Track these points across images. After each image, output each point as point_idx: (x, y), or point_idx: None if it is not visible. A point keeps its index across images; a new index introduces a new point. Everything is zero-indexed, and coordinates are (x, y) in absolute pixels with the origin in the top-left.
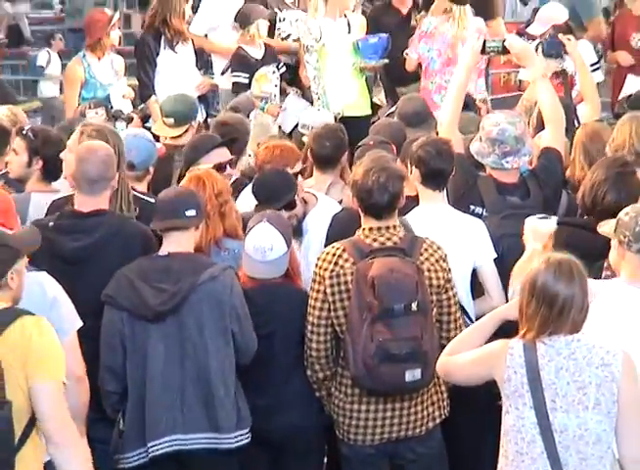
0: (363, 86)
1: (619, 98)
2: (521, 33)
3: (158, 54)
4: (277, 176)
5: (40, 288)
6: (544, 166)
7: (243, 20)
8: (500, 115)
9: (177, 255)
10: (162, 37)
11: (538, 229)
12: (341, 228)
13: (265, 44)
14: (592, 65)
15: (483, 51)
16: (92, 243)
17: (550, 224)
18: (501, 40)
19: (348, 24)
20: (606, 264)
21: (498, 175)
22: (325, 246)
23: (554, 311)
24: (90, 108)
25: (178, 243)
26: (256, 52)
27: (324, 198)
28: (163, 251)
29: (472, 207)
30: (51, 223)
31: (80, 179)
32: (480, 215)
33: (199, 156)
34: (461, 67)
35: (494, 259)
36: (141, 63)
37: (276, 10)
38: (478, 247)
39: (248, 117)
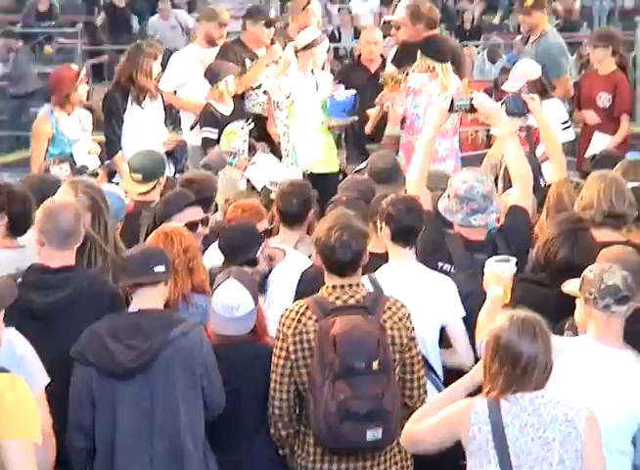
0: (331, 143)
1: (586, 156)
2: (488, 92)
3: (125, 110)
4: (242, 231)
5: (8, 345)
6: (511, 224)
7: (211, 77)
8: (468, 172)
9: (147, 311)
10: (130, 93)
11: (498, 272)
12: (310, 284)
13: (234, 100)
14: (564, 122)
15: (451, 109)
16: (61, 299)
17: (509, 267)
18: (469, 98)
19: (316, 82)
20: (567, 325)
21: (466, 233)
22: (294, 299)
23: (518, 370)
24: (54, 163)
25: (147, 299)
26: (225, 108)
27: (293, 253)
28: (133, 307)
29: (440, 264)
30: (19, 279)
31: (52, 233)
32: (448, 273)
33: (171, 212)
34: (429, 124)
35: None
36: (108, 119)
37: (247, 61)
38: (446, 305)
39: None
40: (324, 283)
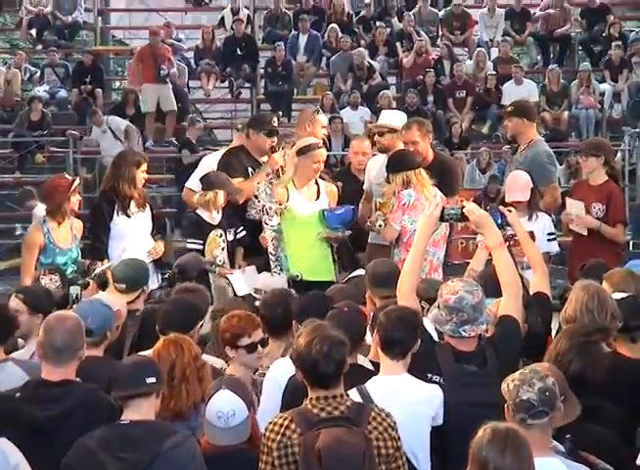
0: (327, 254)
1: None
2: (478, 200)
3: (111, 219)
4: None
5: (2, 455)
6: (501, 335)
7: (205, 183)
8: (458, 282)
9: (139, 422)
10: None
11: None
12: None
13: (224, 209)
14: (549, 234)
15: (442, 218)
16: (60, 412)
17: None
18: (459, 207)
19: (318, 191)
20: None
21: (456, 343)
22: (282, 407)
23: None
24: (45, 274)
25: (139, 410)
26: (212, 217)
27: (279, 362)
28: (125, 419)
29: (429, 375)
30: (17, 394)
31: (47, 348)
32: (437, 383)
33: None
34: (419, 234)
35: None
36: (94, 228)
37: (249, 169)
38: (436, 413)
39: (195, 278)
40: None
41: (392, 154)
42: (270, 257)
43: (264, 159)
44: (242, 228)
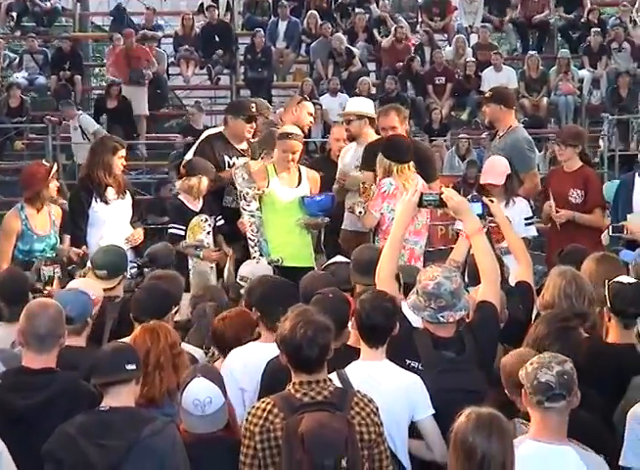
0: (307, 241)
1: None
2: (457, 186)
3: (89, 206)
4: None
5: None
6: (480, 321)
7: (189, 168)
8: (437, 268)
9: (118, 409)
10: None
11: None
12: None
13: (204, 198)
14: (527, 219)
15: (420, 204)
16: (43, 401)
17: None
18: (438, 193)
19: (300, 177)
20: None
21: (434, 329)
22: (260, 392)
23: (472, 466)
24: (46, 264)
25: (119, 397)
26: (194, 204)
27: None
28: (104, 405)
29: (407, 361)
30: None
31: (29, 335)
32: (415, 370)
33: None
34: (397, 220)
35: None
36: (72, 215)
37: (225, 157)
38: (415, 402)
39: (168, 266)
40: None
41: (391, 139)
42: (249, 242)
43: (243, 146)
44: (220, 217)
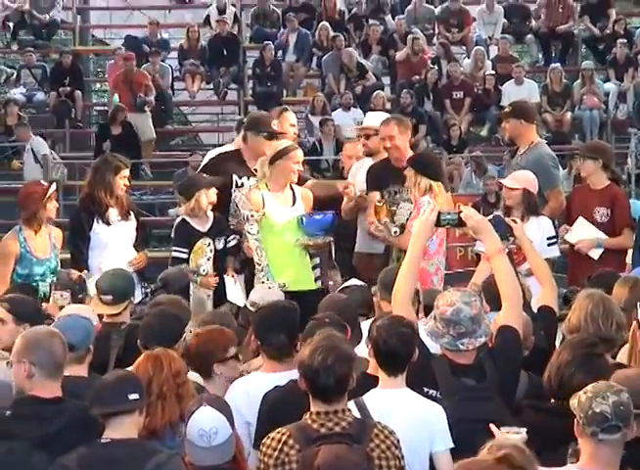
0: (306, 262)
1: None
2: (476, 206)
3: (91, 228)
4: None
5: None
6: (501, 347)
7: (184, 192)
8: (455, 293)
9: (121, 441)
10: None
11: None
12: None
13: (214, 216)
14: (549, 239)
15: (438, 223)
16: (57, 430)
17: (520, 437)
18: (457, 212)
19: (294, 196)
20: (570, 451)
21: (453, 356)
22: (257, 427)
23: None
24: (56, 289)
25: (121, 429)
26: (202, 224)
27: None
28: (106, 437)
29: (425, 389)
30: (8, 413)
31: (46, 363)
32: (434, 398)
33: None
34: (414, 239)
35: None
36: (73, 237)
37: (235, 177)
38: (435, 434)
39: (178, 291)
40: (307, 408)
41: (421, 156)
42: (256, 266)
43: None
44: (233, 237)
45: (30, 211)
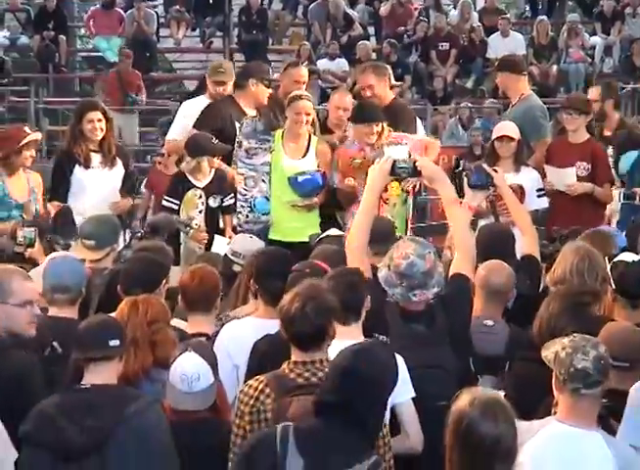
0: (313, 215)
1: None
2: (463, 157)
3: (72, 173)
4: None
5: None
6: (451, 294)
7: (188, 149)
8: (410, 244)
9: (100, 387)
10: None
11: None
12: (262, 359)
13: (217, 171)
14: (538, 190)
15: (393, 173)
16: None
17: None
18: (412, 161)
19: (308, 147)
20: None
21: (405, 303)
22: (245, 374)
23: (479, 455)
24: (21, 227)
25: (101, 374)
26: (200, 180)
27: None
28: (85, 383)
29: (375, 334)
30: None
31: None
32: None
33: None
34: (368, 188)
35: None
36: (53, 183)
37: (237, 124)
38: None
39: (167, 236)
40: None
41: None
42: (239, 197)
43: (252, 112)
44: (231, 195)
45: (4, 152)
